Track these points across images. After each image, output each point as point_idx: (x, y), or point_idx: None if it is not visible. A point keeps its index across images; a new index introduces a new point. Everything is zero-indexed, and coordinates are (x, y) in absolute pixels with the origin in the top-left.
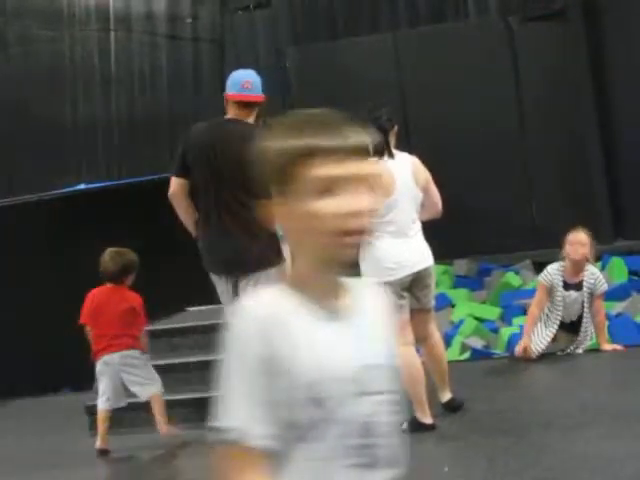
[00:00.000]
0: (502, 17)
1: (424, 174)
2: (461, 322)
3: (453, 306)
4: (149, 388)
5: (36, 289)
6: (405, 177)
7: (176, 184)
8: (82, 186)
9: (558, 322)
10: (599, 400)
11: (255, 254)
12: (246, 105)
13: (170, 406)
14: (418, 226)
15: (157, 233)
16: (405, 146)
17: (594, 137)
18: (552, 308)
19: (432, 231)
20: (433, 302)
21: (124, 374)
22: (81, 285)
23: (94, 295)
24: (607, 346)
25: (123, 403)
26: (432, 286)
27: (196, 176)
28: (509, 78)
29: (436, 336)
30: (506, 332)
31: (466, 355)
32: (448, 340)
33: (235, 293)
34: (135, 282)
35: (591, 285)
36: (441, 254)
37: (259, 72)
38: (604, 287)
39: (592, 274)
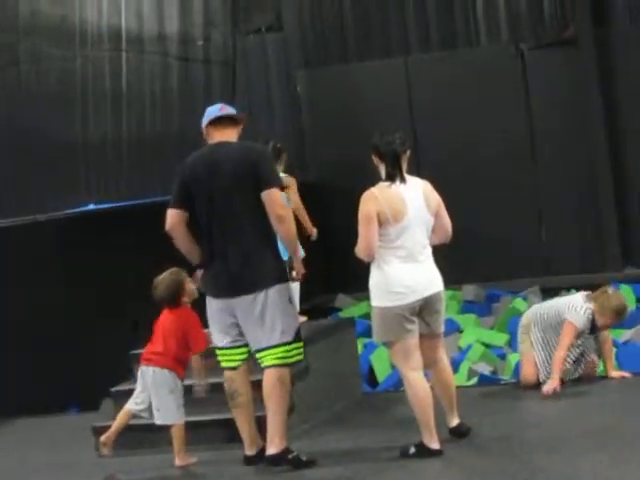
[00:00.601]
0: (513, 44)
1: (436, 199)
2: (469, 347)
3: (461, 331)
4: (165, 415)
5: (42, 308)
6: (416, 202)
7: (175, 215)
8: (91, 206)
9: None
10: (606, 425)
11: (266, 270)
12: (226, 121)
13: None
14: (429, 251)
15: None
16: (414, 171)
17: (605, 166)
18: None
19: (441, 256)
20: (443, 327)
21: (152, 390)
22: (87, 306)
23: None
24: (615, 373)
25: (146, 414)
26: (442, 311)
27: (197, 206)
28: (520, 105)
29: (445, 361)
30: (514, 358)
31: (473, 381)
32: (456, 365)
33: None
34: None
35: None
36: (449, 279)
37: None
38: None
39: None
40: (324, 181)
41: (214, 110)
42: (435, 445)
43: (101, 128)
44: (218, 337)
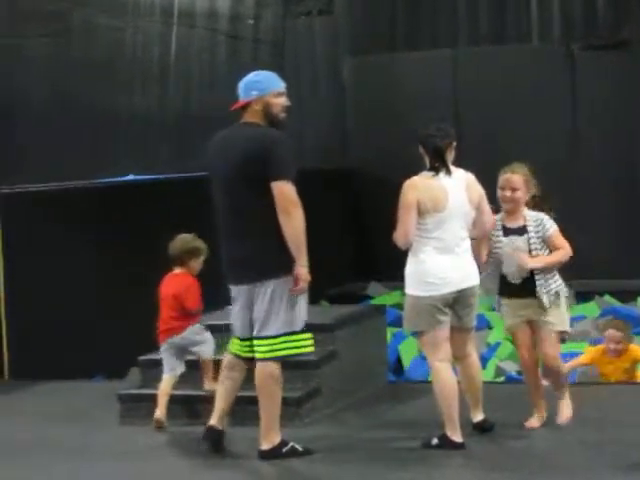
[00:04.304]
0: (564, 44)
1: (478, 192)
2: (497, 345)
3: (491, 328)
4: (203, 348)
5: (74, 275)
6: (458, 194)
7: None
8: (131, 177)
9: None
10: (628, 435)
11: (261, 264)
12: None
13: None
14: (467, 244)
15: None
16: (455, 163)
17: None
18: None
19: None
20: (474, 322)
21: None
22: (119, 275)
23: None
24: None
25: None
26: (475, 306)
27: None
28: (567, 105)
29: (473, 356)
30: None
31: (500, 378)
32: (483, 362)
33: (245, 303)
34: None
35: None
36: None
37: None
38: (554, 227)
39: (534, 218)
40: (363, 168)
41: (276, 80)
42: (458, 438)
43: (146, 99)
44: (232, 324)
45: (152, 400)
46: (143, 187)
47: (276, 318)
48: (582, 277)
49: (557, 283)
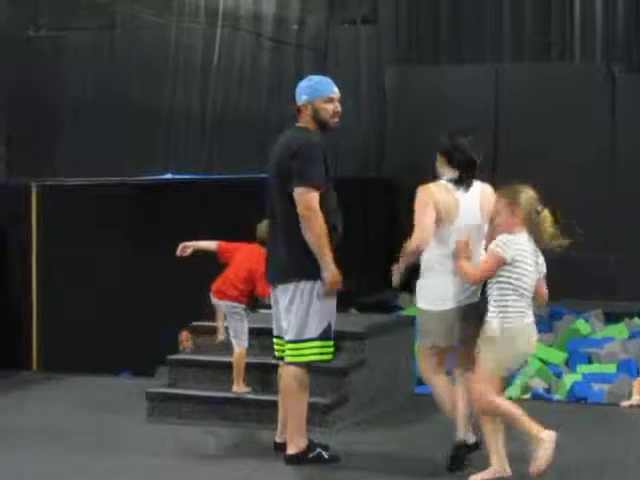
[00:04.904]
0: (606, 64)
1: (492, 204)
2: (525, 362)
3: None
4: (235, 342)
5: (107, 272)
6: (471, 205)
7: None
8: (169, 175)
9: None
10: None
11: (286, 266)
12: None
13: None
14: (479, 257)
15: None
16: (491, 179)
17: None
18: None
19: None
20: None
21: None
22: (152, 274)
23: (245, 245)
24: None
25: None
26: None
27: None
28: (606, 126)
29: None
30: (569, 378)
31: (527, 395)
32: (510, 378)
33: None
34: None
35: None
36: None
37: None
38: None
39: None
40: (400, 177)
41: (328, 85)
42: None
43: (187, 99)
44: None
45: (180, 399)
46: (180, 186)
47: (296, 322)
48: (613, 298)
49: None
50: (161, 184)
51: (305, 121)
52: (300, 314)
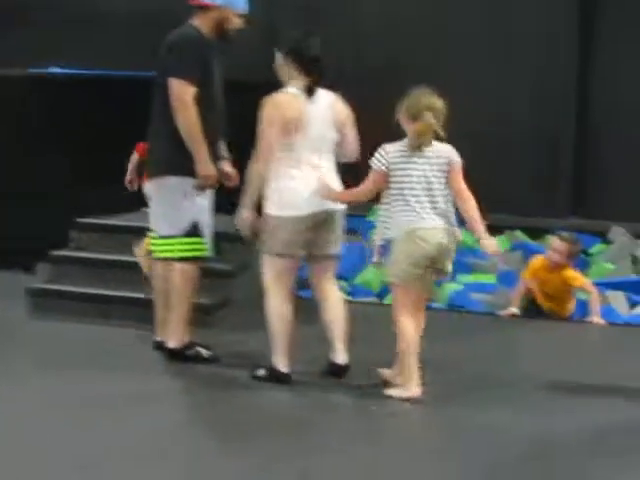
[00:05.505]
0: None
1: (343, 114)
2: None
3: None
4: None
5: None
6: (321, 115)
7: None
8: (56, 69)
9: None
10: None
11: (158, 160)
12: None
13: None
14: (330, 166)
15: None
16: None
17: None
18: None
19: None
20: (336, 250)
21: None
22: (37, 169)
23: None
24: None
25: None
26: (337, 231)
27: None
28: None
29: (334, 290)
30: (449, 287)
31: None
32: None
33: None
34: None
35: None
36: None
37: None
38: None
39: None
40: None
41: (245, 2)
42: (284, 369)
43: None
44: None
45: (61, 296)
46: (68, 80)
47: (163, 218)
48: (494, 211)
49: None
50: (48, 78)
51: (203, 22)
52: (167, 210)
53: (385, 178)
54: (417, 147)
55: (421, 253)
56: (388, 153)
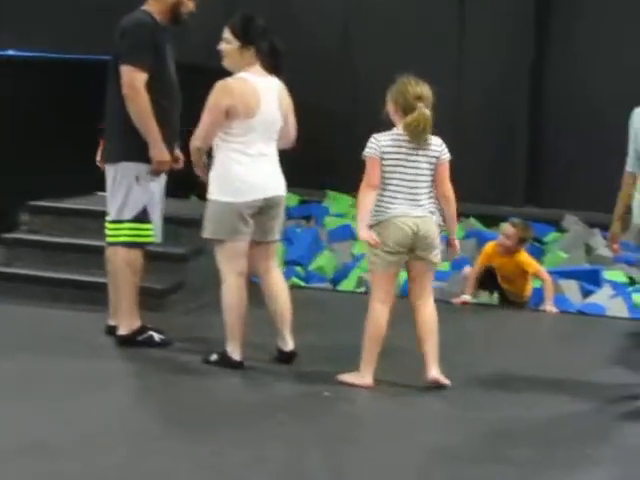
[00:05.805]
0: None
1: (288, 101)
2: (362, 256)
3: (356, 239)
4: None
5: None
6: (270, 101)
7: None
8: (11, 52)
9: None
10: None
11: (111, 146)
12: None
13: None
14: (274, 152)
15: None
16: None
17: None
18: None
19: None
20: (278, 236)
21: None
22: None
23: None
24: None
25: None
26: (281, 217)
27: None
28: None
29: (276, 273)
30: (403, 275)
31: (361, 289)
32: (346, 272)
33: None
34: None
35: None
36: (354, 186)
37: None
38: None
39: None
40: None
41: None
42: (237, 356)
43: None
44: None
45: (14, 279)
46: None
47: (114, 203)
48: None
49: None
50: (3, 61)
51: (156, 7)
52: (119, 195)
53: (380, 163)
54: (416, 140)
55: (394, 240)
56: (380, 141)
